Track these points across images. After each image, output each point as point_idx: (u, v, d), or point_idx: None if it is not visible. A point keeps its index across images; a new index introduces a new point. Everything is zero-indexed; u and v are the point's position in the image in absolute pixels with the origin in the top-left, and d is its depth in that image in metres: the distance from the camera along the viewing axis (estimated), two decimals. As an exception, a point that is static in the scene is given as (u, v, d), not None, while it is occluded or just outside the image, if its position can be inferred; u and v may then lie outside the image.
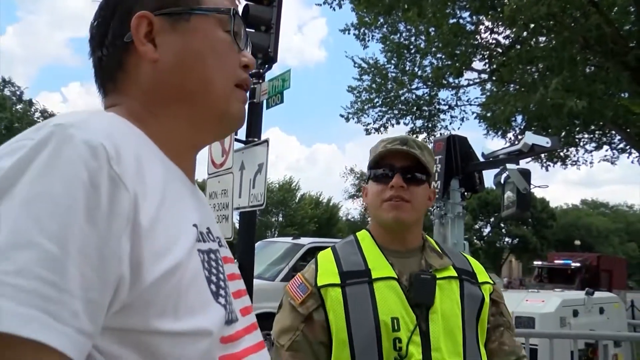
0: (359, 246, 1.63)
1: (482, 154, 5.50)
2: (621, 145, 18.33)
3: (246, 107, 0.91)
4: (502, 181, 5.35)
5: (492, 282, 1.66)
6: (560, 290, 6.07)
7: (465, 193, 5.51)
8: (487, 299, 1.59)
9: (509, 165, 4.99)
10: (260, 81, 6.67)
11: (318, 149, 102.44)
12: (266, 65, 7.74)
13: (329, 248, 1.67)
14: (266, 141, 5.59)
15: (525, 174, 4.89)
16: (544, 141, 4.91)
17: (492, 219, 45.53)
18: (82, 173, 0.61)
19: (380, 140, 1.71)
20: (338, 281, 1.52)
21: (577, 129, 16.26)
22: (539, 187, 11.49)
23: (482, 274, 1.66)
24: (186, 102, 0.85)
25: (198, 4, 0.86)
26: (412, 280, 1.52)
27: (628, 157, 17.92)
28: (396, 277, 1.53)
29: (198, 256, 0.74)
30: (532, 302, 4.56)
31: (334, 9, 14.72)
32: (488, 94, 17.34)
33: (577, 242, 40.39)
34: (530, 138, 4.88)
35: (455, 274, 1.59)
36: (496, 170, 5.47)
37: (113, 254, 0.61)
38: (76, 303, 0.57)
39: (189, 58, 0.84)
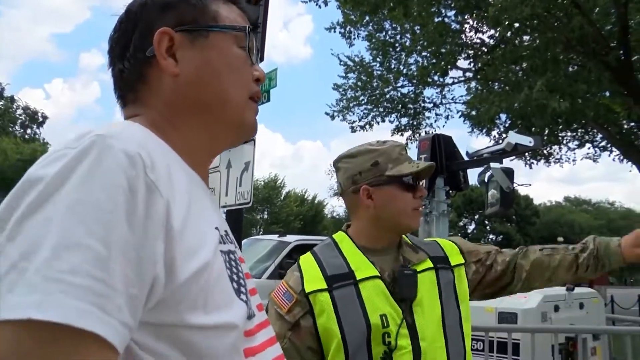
0: (339, 248, 1.68)
1: (467, 153, 5.58)
2: (603, 144, 18.58)
3: (256, 117, 0.96)
4: (485, 179, 5.43)
5: (461, 262, 1.76)
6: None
7: (450, 191, 5.59)
8: (458, 282, 1.71)
9: (492, 164, 5.07)
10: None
11: (303, 146, 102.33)
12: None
13: (309, 252, 1.72)
14: (253, 140, 5.62)
15: (509, 173, 4.98)
16: (526, 140, 4.98)
17: (476, 216, 45.91)
18: (122, 180, 0.67)
19: (393, 145, 1.74)
20: (325, 286, 1.57)
21: (560, 127, 16.46)
22: (522, 185, 11.64)
23: (454, 256, 1.77)
24: (204, 113, 0.90)
25: (215, 22, 0.92)
26: (395, 277, 1.60)
27: (609, 155, 18.18)
28: (379, 275, 1.60)
29: (221, 256, 0.80)
30: (515, 298, 4.66)
31: (320, 7, 14.73)
32: (473, 92, 17.48)
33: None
34: (514, 137, 4.96)
35: (432, 265, 1.68)
36: (480, 169, 5.57)
37: (150, 255, 0.67)
38: (120, 298, 0.63)
39: (207, 72, 0.90)
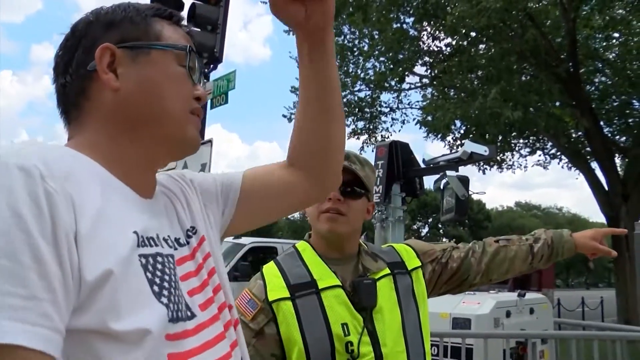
0: (301, 257, 1.69)
1: (423, 160, 5.66)
2: (553, 151, 19.14)
3: (197, 132, 0.97)
4: (441, 187, 5.52)
5: (418, 265, 1.78)
6: (495, 291, 6.33)
7: (406, 197, 5.66)
8: (416, 285, 1.74)
9: (448, 172, 5.16)
10: (205, 81, 6.65)
11: (259, 147, 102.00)
12: (211, 65, 7.69)
13: (272, 261, 1.72)
14: (210, 141, 5.57)
15: (464, 181, 5.08)
16: (482, 149, 5.09)
17: (429, 220, 46.60)
18: (21, 192, 0.69)
19: None
20: (288, 294, 1.58)
21: (513, 135, 16.90)
22: (477, 193, 11.88)
23: (410, 260, 1.79)
24: (144, 127, 0.92)
25: (158, 40, 0.94)
26: (354, 286, 1.62)
27: (559, 163, 18.75)
28: (340, 284, 1.61)
29: (138, 260, 0.80)
30: (469, 304, 4.76)
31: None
32: (429, 99, 17.75)
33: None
34: (469, 146, 5.05)
35: (389, 271, 1.70)
36: (436, 176, 5.66)
37: (61, 260, 0.69)
38: (45, 305, 0.66)
39: (147, 88, 0.92)
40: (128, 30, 0.93)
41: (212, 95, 6.76)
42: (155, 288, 0.80)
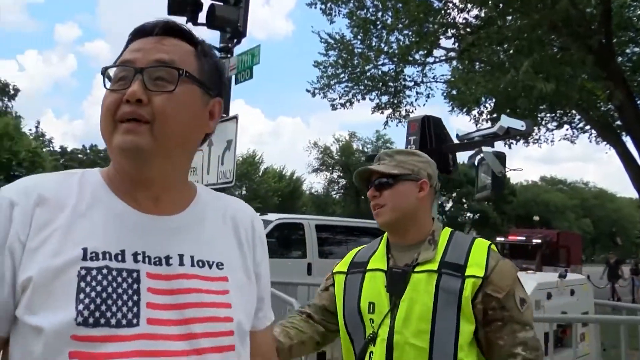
0: (380, 242, 1.91)
1: (457, 135, 5.47)
2: (580, 125, 18.71)
3: (130, 137, 0.99)
4: (476, 163, 5.33)
5: (479, 275, 1.65)
6: (532, 272, 6.15)
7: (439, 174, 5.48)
8: (466, 292, 1.64)
9: (484, 148, 4.97)
10: (229, 56, 6.48)
11: (282, 122, 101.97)
12: (235, 40, 7.50)
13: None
14: (235, 117, 5.42)
15: (501, 158, 4.89)
16: (518, 124, 4.89)
17: (453, 194, 46.27)
18: None
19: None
20: (345, 270, 1.91)
21: (542, 108, 16.46)
22: (514, 170, 11.65)
23: (473, 267, 1.68)
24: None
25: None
26: (388, 273, 1.78)
27: (589, 138, 18.34)
28: (385, 269, 1.79)
29: (77, 271, 0.94)
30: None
31: (302, -19, 14.45)
32: (458, 72, 17.35)
33: (536, 218, 41.48)
34: (506, 121, 4.85)
35: (435, 268, 1.70)
36: (470, 152, 5.46)
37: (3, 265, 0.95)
38: None
39: None
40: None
41: (237, 71, 6.57)
42: (82, 295, 0.93)
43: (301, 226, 10.57)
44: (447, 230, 1.83)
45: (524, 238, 22.48)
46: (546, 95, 10.69)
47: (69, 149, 51.21)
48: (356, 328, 1.80)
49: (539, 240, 21.71)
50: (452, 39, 15.84)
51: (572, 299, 4.98)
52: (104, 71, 1.05)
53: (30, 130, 43.56)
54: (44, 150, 43.06)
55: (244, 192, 42.75)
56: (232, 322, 1.05)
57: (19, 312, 0.94)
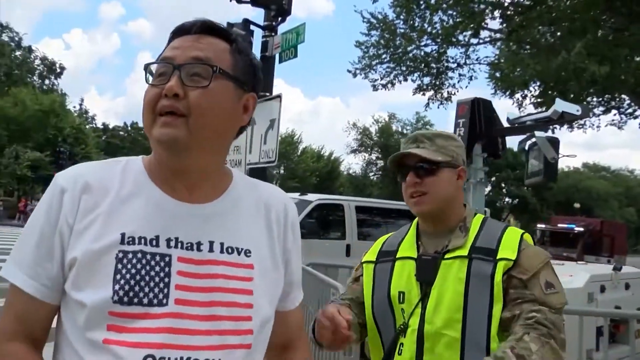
0: (409, 229, 1.84)
1: (507, 119, 5.28)
2: (629, 110, 18.05)
3: (167, 129, 1.07)
4: (526, 148, 5.14)
5: (511, 258, 1.58)
6: (583, 263, 5.93)
7: (487, 158, 5.31)
8: (498, 277, 1.57)
9: (537, 133, 4.79)
10: (273, 34, 6.38)
11: (321, 102, 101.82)
12: (279, 18, 7.40)
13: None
14: (279, 96, 5.34)
15: (554, 143, 4.71)
16: (574, 109, 4.71)
17: (492, 179, 45.54)
18: (45, 200, 1.13)
19: (402, 141, 1.86)
20: (374, 259, 1.84)
21: (590, 91, 15.79)
22: (567, 156, 11.30)
23: (505, 250, 1.61)
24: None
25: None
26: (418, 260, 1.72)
27: None
28: (415, 257, 1.72)
29: (116, 254, 1.05)
30: (561, 277, 4.41)
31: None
32: (504, 54, 16.86)
33: (577, 205, 40.50)
34: (561, 105, 4.66)
35: (466, 254, 1.64)
36: (521, 136, 5.28)
37: (55, 243, 1.09)
38: (38, 270, 1.09)
39: None
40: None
41: (281, 49, 6.47)
42: (118, 276, 1.04)
43: (341, 207, 10.42)
44: (480, 217, 1.76)
45: (565, 225, 21.91)
46: (599, 78, 10.26)
47: (110, 126, 52.21)
48: (385, 319, 1.73)
49: (582, 229, 21.14)
50: (499, 19, 15.38)
51: (627, 294, 4.78)
52: (146, 67, 1.14)
53: (74, 107, 44.61)
54: (87, 127, 44.00)
55: (282, 172, 42.95)
56: (252, 308, 1.12)
57: (67, 287, 1.08)
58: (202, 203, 1.15)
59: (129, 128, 51.34)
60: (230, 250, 1.14)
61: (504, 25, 15.40)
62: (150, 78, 1.13)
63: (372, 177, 51.22)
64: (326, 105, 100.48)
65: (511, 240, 1.63)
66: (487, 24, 15.77)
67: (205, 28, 1.15)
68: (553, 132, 18.24)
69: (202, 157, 1.13)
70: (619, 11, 11.60)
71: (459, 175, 1.75)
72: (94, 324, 1.03)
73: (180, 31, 1.16)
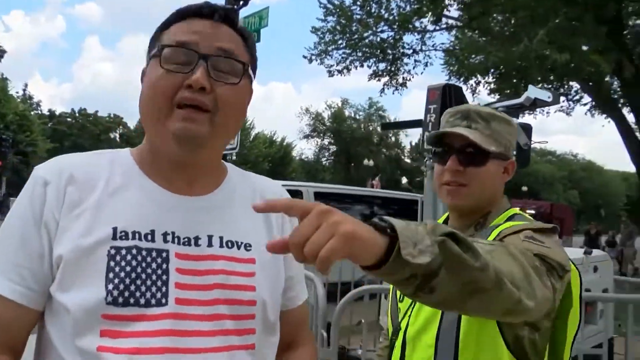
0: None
1: (479, 105, 5.30)
2: (577, 97, 18.62)
3: (190, 124, 0.99)
4: (498, 134, 5.18)
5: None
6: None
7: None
8: None
9: (510, 119, 4.81)
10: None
11: (274, 88, 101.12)
12: (241, 2, 7.23)
13: None
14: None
15: (527, 129, 4.75)
16: (545, 95, 4.76)
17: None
18: (25, 194, 1.02)
19: (445, 112, 1.53)
20: None
21: (552, 79, 16.09)
22: (539, 142, 11.51)
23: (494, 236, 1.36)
24: (145, 127, 1.06)
25: (156, 48, 1.04)
26: None
27: (590, 111, 18.24)
28: None
29: (107, 250, 0.96)
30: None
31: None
32: (465, 41, 17.04)
33: (525, 188, 41.63)
34: (533, 92, 4.71)
35: None
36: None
37: (41, 241, 0.99)
38: (23, 271, 0.98)
39: (142, 90, 1.05)
40: (152, 41, 1.08)
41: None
42: (111, 274, 0.95)
43: (300, 193, 10.37)
44: (509, 213, 1.47)
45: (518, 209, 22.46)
46: (559, 66, 10.49)
47: (57, 113, 50.49)
48: (394, 318, 1.58)
49: (533, 212, 21.75)
50: (459, 5, 15.51)
51: (594, 276, 4.91)
52: (162, 48, 1.02)
53: (17, 93, 42.83)
54: (32, 113, 42.41)
55: (234, 158, 42.53)
56: (255, 305, 1.06)
57: (52, 289, 0.97)
58: (199, 196, 1.08)
59: (77, 114, 49.79)
60: (230, 244, 1.07)
61: (463, 12, 15.57)
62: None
63: (324, 162, 51.37)
64: (279, 91, 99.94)
65: (499, 229, 1.37)
66: (449, 11, 15.92)
67: (226, 17, 1.06)
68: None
69: (213, 152, 1.08)
70: (575, 1, 11.88)
71: (507, 169, 1.49)
72: (85, 329, 0.93)
73: (194, 13, 1.05)
